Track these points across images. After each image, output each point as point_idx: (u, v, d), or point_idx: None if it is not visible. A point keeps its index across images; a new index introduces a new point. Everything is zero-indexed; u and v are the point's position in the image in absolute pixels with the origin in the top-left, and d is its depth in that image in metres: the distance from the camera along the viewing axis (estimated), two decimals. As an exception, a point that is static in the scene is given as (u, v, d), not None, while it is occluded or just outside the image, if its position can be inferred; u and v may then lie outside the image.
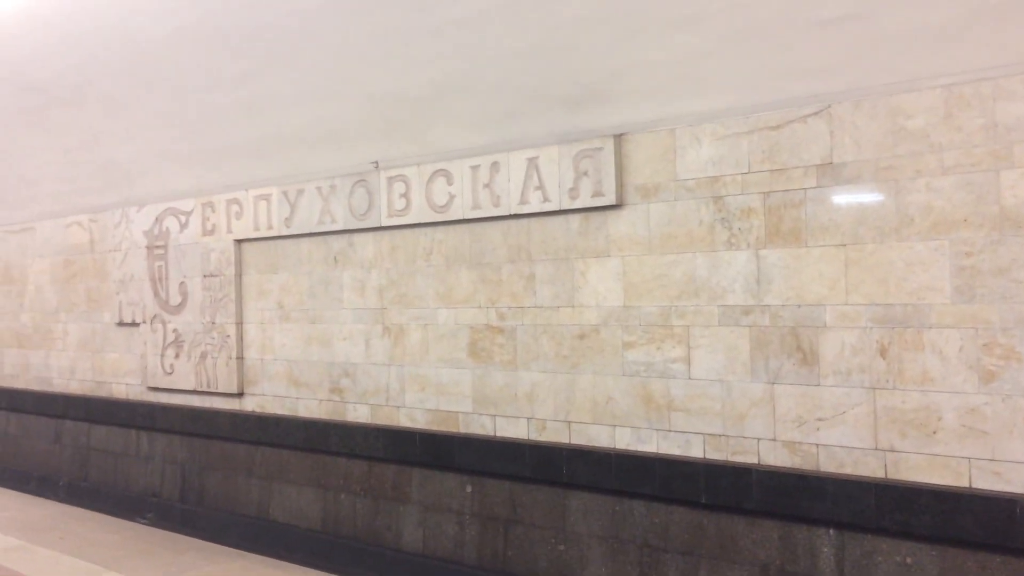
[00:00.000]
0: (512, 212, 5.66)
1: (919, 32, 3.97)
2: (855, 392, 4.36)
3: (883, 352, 4.26)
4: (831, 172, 4.41)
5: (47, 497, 9.31)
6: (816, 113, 4.45)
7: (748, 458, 4.72)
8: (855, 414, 4.36)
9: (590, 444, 5.35)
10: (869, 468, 4.32)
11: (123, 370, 8.86)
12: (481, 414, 5.91)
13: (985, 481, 4.00)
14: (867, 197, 4.30)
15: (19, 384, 10.29)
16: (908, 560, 4.16)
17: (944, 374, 4.10)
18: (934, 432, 4.13)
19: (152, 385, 8.45)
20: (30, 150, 9.03)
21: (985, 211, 3.96)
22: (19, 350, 10.33)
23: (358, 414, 6.70)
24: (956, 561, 4.04)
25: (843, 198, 4.37)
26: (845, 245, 4.37)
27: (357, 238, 6.69)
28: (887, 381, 4.26)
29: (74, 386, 9.52)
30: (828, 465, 4.45)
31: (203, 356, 7.91)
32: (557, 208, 5.44)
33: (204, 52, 6.57)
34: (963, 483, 4.05)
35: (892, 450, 4.25)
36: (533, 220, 5.62)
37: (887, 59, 4.14)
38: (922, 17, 3.92)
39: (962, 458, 4.05)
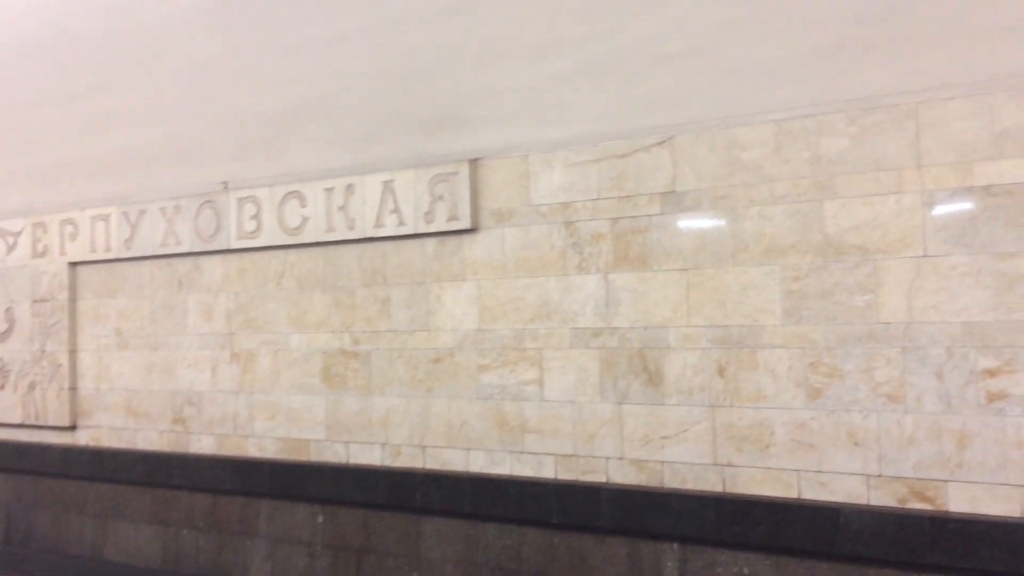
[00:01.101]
0: (367, 235, 5.62)
1: (753, 69, 4.26)
2: (696, 410, 4.56)
3: (721, 371, 4.49)
4: (674, 200, 4.63)
5: None
6: (660, 143, 4.67)
7: (598, 477, 4.84)
8: (696, 431, 4.55)
9: (445, 468, 5.34)
10: (709, 483, 4.52)
11: (-62, 403, 8.13)
12: (334, 441, 5.79)
13: (813, 492, 4.26)
14: (706, 224, 4.54)
15: None
16: (746, 570, 4.36)
17: (776, 391, 4.35)
18: (767, 447, 4.37)
19: (-28, 419, 7.80)
20: None
21: (811, 238, 4.26)
22: None
23: (203, 445, 6.41)
24: (789, 569, 4.27)
25: (685, 225, 4.60)
26: (687, 269, 4.58)
27: (204, 261, 6.45)
28: (725, 399, 4.48)
29: None
30: (672, 481, 4.62)
31: (32, 387, 7.37)
32: (413, 232, 5.44)
33: (41, 64, 6.23)
34: (793, 494, 4.30)
35: (730, 465, 4.46)
36: (388, 243, 5.60)
37: (725, 94, 4.41)
38: (756, 55, 4.22)
39: (792, 470, 4.31)
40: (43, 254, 7.35)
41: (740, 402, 4.45)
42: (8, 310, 7.57)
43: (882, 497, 4.10)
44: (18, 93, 6.48)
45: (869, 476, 4.13)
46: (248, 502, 6.11)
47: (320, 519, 5.78)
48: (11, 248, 7.58)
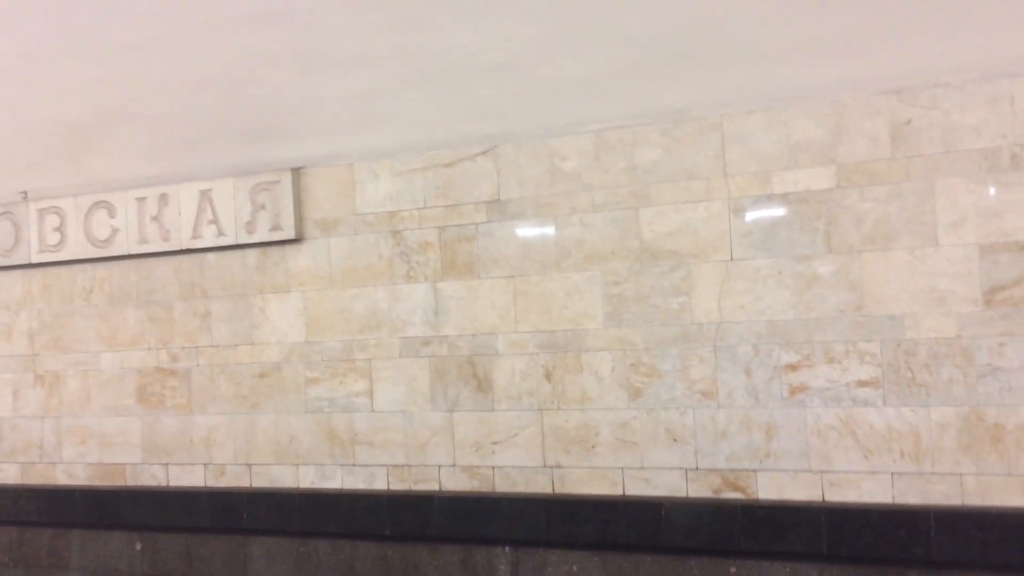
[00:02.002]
0: (184, 247, 5.36)
1: (572, 82, 4.37)
2: (525, 415, 4.64)
3: (548, 376, 4.59)
4: (499, 208, 4.70)
5: None
6: (484, 152, 4.73)
7: (430, 486, 4.83)
8: (526, 435, 4.64)
9: (273, 486, 5.17)
10: (539, 485, 4.61)
11: None
12: (152, 463, 5.48)
13: (636, 488, 4.43)
14: (530, 231, 4.63)
15: None
16: (575, 568, 4.48)
17: (600, 393, 4.50)
18: (593, 447, 4.51)
19: None
20: None
21: (629, 245, 4.44)
22: None
23: (6, 475, 5.90)
24: (615, 564, 4.42)
25: (510, 232, 4.67)
26: (513, 276, 4.66)
27: (2, 277, 5.95)
28: (552, 402, 4.59)
29: None
30: (503, 485, 4.68)
31: None
32: (233, 243, 5.24)
33: None
34: (618, 491, 4.46)
35: (558, 466, 4.57)
36: (208, 255, 5.36)
37: (545, 105, 4.50)
38: (574, 69, 4.32)
39: (616, 468, 4.46)
40: None
41: (567, 405, 4.57)
42: None
43: (699, 489, 4.32)
44: None
45: (687, 470, 4.35)
46: (58, 533, 5.68)
47: (138, 546, 5.45)
48: None
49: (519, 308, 4.65)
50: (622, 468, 4.46)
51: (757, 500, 4.21)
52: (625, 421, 4.45)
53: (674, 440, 4.36)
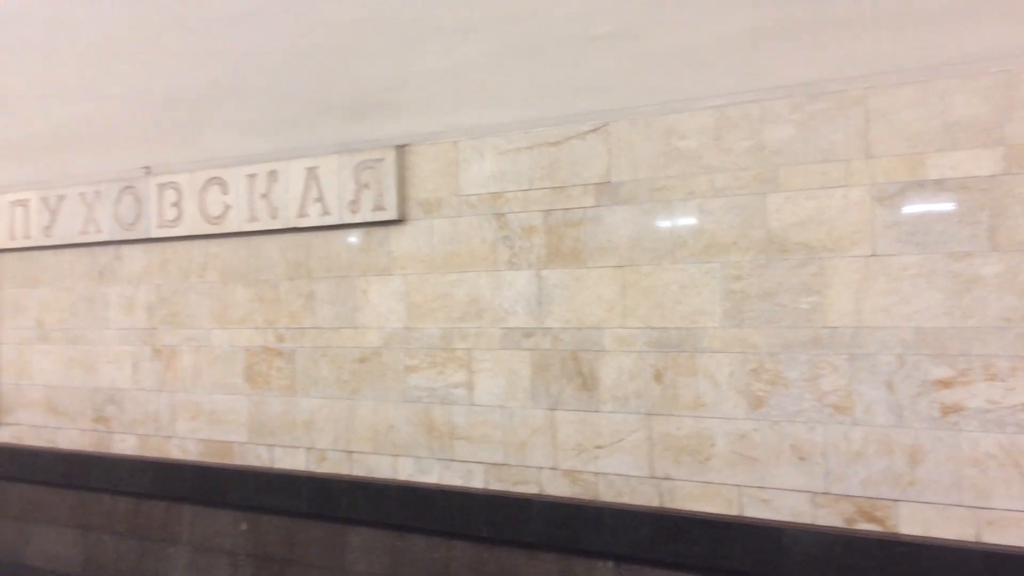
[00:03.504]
0: (291, 225, 5.24)
1: (692, 52, 3.88)
2: (632, 418, 4.23)
3: (658, 377, 4.15)
4: (609, 191, 4.27)
5: None
6: (594, 130, 4.31)
7: (529, 488, 4.51)
8: (632, 441, 4.23)
9: (371, 475, 5.00)
10: (646, 497, 4.20)
11: None
12: (257, 444, 5.43)
13: (754, 509, 3.94)
14: (642, 218, 4.18)
15: None
16: (682, 591, 4.05)
17: (716, 399, 4.03)
18: (707, 459, 4.05)
19: None
20: None
21: (753, 235, 3.92)
22: None
23: (125, 445, 6.04)
24: (728, 590, 3.96)
25: (620, 218, 4.24)
26: (623, 266, 4.24)
27: (125, 250, 6.05)
28: (662, 407, 4.15)
29: None
30: (607, 494, 4.30)
31: (-49, 381, 6.97)
32: (337, 222, 5.06)
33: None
34: (734, 511, 3.99)
35: (667, 478, 4.14)
36: (313, 234, 5.22)
37: (661, 78, 4.03)
38: (692, 38, 3.83)
39: (732, 485, 3.99)
40: (-38, 241, 6.92)
41: (678, 410, 4.12)
42: (-73, 300, 7.14)
43: (828, 516, 3.79)
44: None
45: (815, 493, 3.82)
46: (170, 507, 5.76)
47: (243, 526, 5.43)
48: (-71, 234, 7.14)
49: (628, 301, 4.23)
50: (739, 485, 3.98)
51: (897, 535, 3.64)
52: (744, 433, 3.96)
53: (800, 458, 3.84)
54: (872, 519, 3.70)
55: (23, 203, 6.53)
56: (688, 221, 4.07)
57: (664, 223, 4.13)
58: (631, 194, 4.20)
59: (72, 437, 6.31)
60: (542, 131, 4.44)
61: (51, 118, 6.00)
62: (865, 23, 3.11)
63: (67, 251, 6.35)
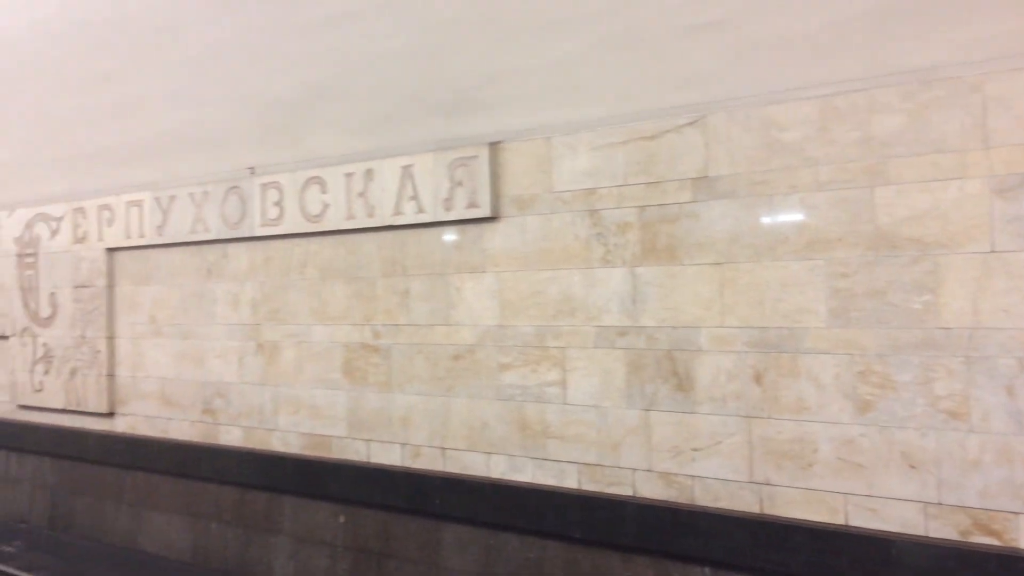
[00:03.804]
0: (387, 223, 5.29)
1: (792, 40, 3.72)
2: (731, 421, 4.09)
3: (758, 378, 4.00)
4: (706, 186, 4.14)
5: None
6: (691, 123, 4.18)
7: (623, 489, 4.42)
8: (730, 444, 4.09)
9: (465, 472, 5.00)
10: (744, 502, 4.05)
11: (-8, 386, 8.25)
12: (355, 439, 5.52)
13: (861, 518, 3.75)
14: (742, 213, 4.04)
15: None
16: (783, 601, 3.90)
17: (820, 402, 3.85)
18: (810, 465, 3.87)
19: (21, 403, 7.86)
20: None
21: (860, 230, 3.72)
22: None
23: (231, 437, 6.25)
24: (832, 602, 3.78)
25: (718, 214, 4.10)
26: (721, 263, 4.10)
27: (231, 248, 6.25)
28: (762, 409, 4.00)
29: (-57, 403, 8.84)
30: (703, 498, 4.17)
31: (73, 372, 7.36)
32: (432, 220, 5.09)
33: (66, 48, 6.07)
34: (839, 520, 3.80)
35: (767, 483, 3.99)
36: (408, 232, 5.26)
37: (761, 68, 3.88)
38: (795, 25, 3.67)
39: (838, 493, 3.81)
40: (83, 240, 7.29)
41: (779, 413, 3.96)
42: (52, 295, 7.56)
43: (941, 528, 3.57)
44: (45, 80, 6.35)
45: (926, 504, 3.61)
46: (273, 498, 5.92)
47: (342, 519, 5.53)
48: (54, 233, 7.56)
49: (726, 299, 4.09)
50: (845, 493, 3.79)
51: (1017, 549, 3.40)
52: (850, 438, 3.78)
53: (911, 466, 3.63)
54: (989, 532, 3.46)
55: (137, 203, 6.83)
56: (790, 216, 3.90)
57: (764, 218, 3.98)
58: (730, 189, 4.06)
59: (182, 428, 6.56)
60: (637, 125, 4.34)
61: (164, 122, 6.26)
62: (982, 4, 2.90)
63: (178, 249, 6.60)
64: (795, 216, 3.89)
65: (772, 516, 3.97)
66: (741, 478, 4.06)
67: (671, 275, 4.24)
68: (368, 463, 5.44)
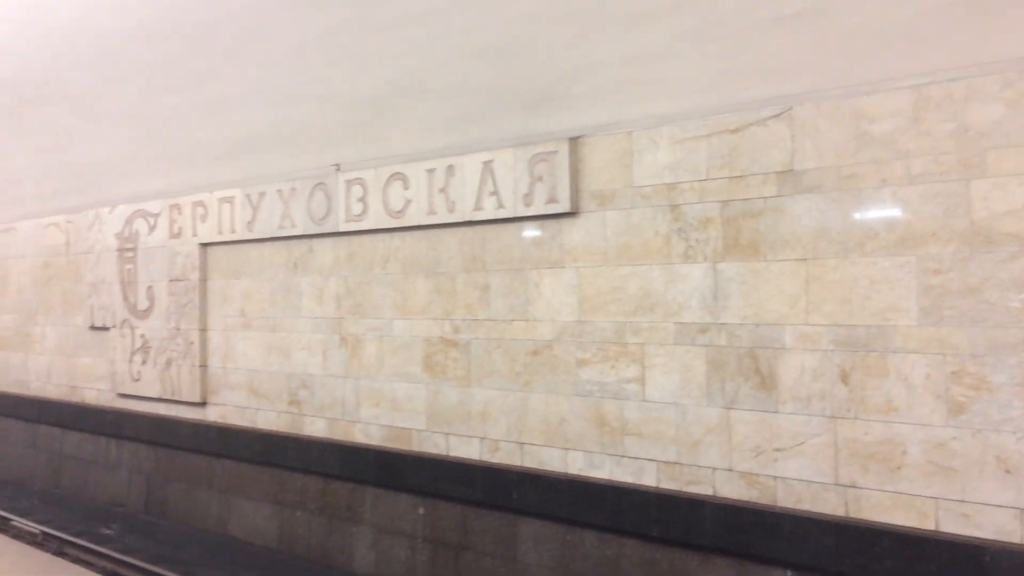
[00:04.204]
0: (467, 219, 5.34)
1: (883, 29, 3.60)
2: (815, 421, 3.98)
3: (845, 377, 3.89)
4: (792, 179, 4.04)
5: (21, 504, 9.08)
6: (777, 116, 4.08)
7: (703, 489, 4.36)
8: (815, 445, 3.98)
9: (542, 468, 5.01)
10: (829, 505, 3.94)
11: (94, 375, 8.64)
12: (435, 432, 5.59)
13: (953, 524, 3.61)
14: (829, 207, 3.92)
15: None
16: (869, 608, 3.78)
17: (909, 403, 3.71)
18: (898, 468, 3.74)
19: (121, 392, 8.22)
20: (10, 150, 8.84)
21: (955, 225, 3.57)
22: (0, 352, 10.16)
23: (315, 428, 6.40)
24: (921, 610, 3.65)
25: (803, 208, 4.00)
26: (806, 260, 3.99)
27: (316, 243, 6.40)
28: (849, 410, 3.88)
29: (50, 390, 9.32)
30: (786, 500, 4.08)
31: (168, 363, 7.66)
32: (511, 215, 5.11)
33: (163, 49, 6.31)
34: (929, 525, 3.66)
35: (853, 486, 3.87)
36: (488, 227, 5.29)
37: (850, 58, 3.77)
38: (886, 13, 3.55)
39: (928, 498, 3.67)
40: (178, 235, 7.58)
41: (866, 414, 3.84)
42: (149, 289, 7.88)
43: (1039, 537, 3.41)
44: (141, 80, 6.63)
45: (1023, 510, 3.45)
46: (355, 488, 6.04)
47: (421, 511, 5.61)
48: (152, 229, 7.88)
49: (812, 296, 3.98)
50: (935, 498, 3.65)
51: (1124, 562, 3.22)
52: (941, 441, 3.63)
53: (1007, 471, 3.47)
54: (1095, 544, 3.29)
55: (229, 200, 7.06)
56: (880, 211, 3.78)
57: (853, 213, 3.86)
58: (816, 182, 3.95)
59: (270, 418, 6.75)
60: (720, 118, 4.26)
61: (253, 121, 6.45)
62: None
63: (266, 244, 6.80)
64: (885, 211, 3.76)
65: (858, 519, 3.85)
66: (826, 480, 3.95)
67: (754, 271, 4.16)
68: (447, 456, 5.49)
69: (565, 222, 4.90)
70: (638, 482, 4.59)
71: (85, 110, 7.51)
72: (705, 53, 4.16)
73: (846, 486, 3.90)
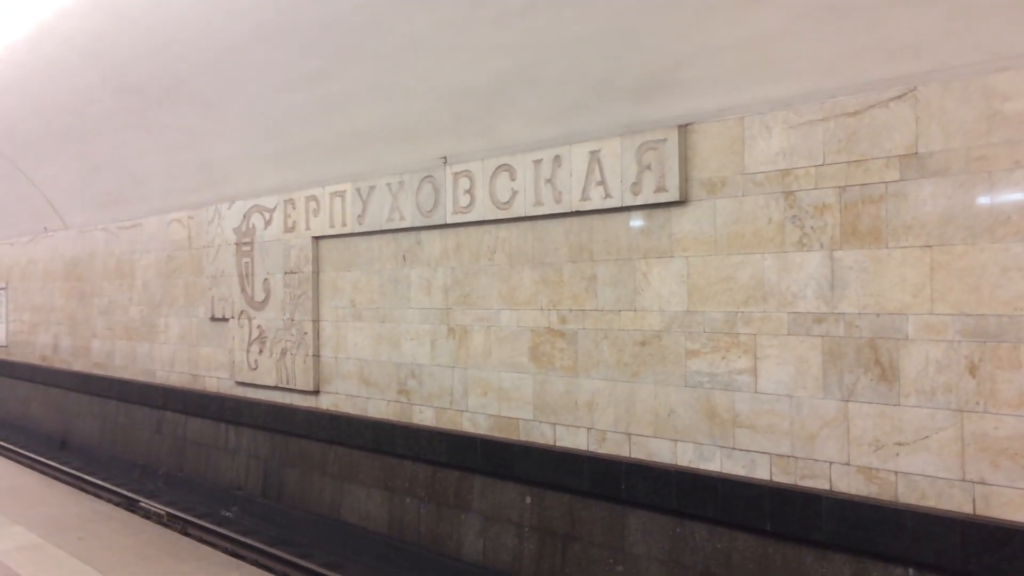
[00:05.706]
0: (574, 209, 5.33)
1: (1017, 2, 3.41)
2: (940, 414, 3.82)
3: (973, 370, 3.71)
4: (916, 163, 3.87)
5: (148, 487, 9.60)
6: (900, 97, 3.92)
7: (818, 483, 4.24)
8: (940, 439, 3.82)
9: (650, 459, 4.97)
10: (955, 502, 3.77)
11: (215, 364, 9.04)
12: (541, 422, 5.61)
13: (1094, 525, 3.40)
14: (956, 192, 3.75)
15: (127, 375, 10.70)
16: (999, 611, 3.60)
17: (1046, 398, 3.52)
18: (1033, 465, 3.55)
19: (239, 380, 8.58)
20: (138, 150, 9.33)
21: (1097, 208, 3.36)
22: (128, 342, 10.74)
23: (423, 417, 6.52)
24: (1058, 616, 3.46)
25: (928, 193, 3.83)
26: (931, 247, 3.83)
27: (424, 236, 6.52)
28: (977, 403, 3.70)
29: (174, 378, 9.80)
30: (908, 496, 3.92)
31: (283, 352, 7.94)
32: (619, 205, 5.07)
33: (280, 50, 6.54)
34: (1067, 526, 3.46)
35: (982, 482, 3.69)
36: (595, 217, 5.27)
37: (981, 34, 3.58)
38: (1021, -18, 3.37)
39: (1066, 497, 3.47)
40: (292, 229, 7.85)
41: (997, 408, 3.66)
42: (265, 281, 8.19)
43: None
44: (260, 81, 6.89)
45: None
46: (463, 476, 6.13)
47: (528, 500, 5.65)
48: (267, 224, 8.18)
49: (937, 285, 3.81)
50: (1073, 497, 3.45)
51: None
52: (1081, 437, 3.43)
53: None
54: None
55: (340, 194, 7.26)
56: (1013, 194, 3.59)
57: (983, 198, 3.67)
58: (943, 165, 3.78)
59: (380, 407, 6.92)
60: (838, 101, 4.13)
61: (364, 116, 6.62)
62: None
63: (376, 237, 6.96)
64: (1019, 194, 3.57)
65: (986, 517, 3.67)
66: (952, 476, 3.78)
67: (875, 259, 4.01)
68: (554, 446, 5.51)
69: (674, 211, 4.84)
70: (750, 475, 4.50)
71: (208, 110, 7.87)
72: (823, 33, 4.03)
73: (974, 482, 3.72)
